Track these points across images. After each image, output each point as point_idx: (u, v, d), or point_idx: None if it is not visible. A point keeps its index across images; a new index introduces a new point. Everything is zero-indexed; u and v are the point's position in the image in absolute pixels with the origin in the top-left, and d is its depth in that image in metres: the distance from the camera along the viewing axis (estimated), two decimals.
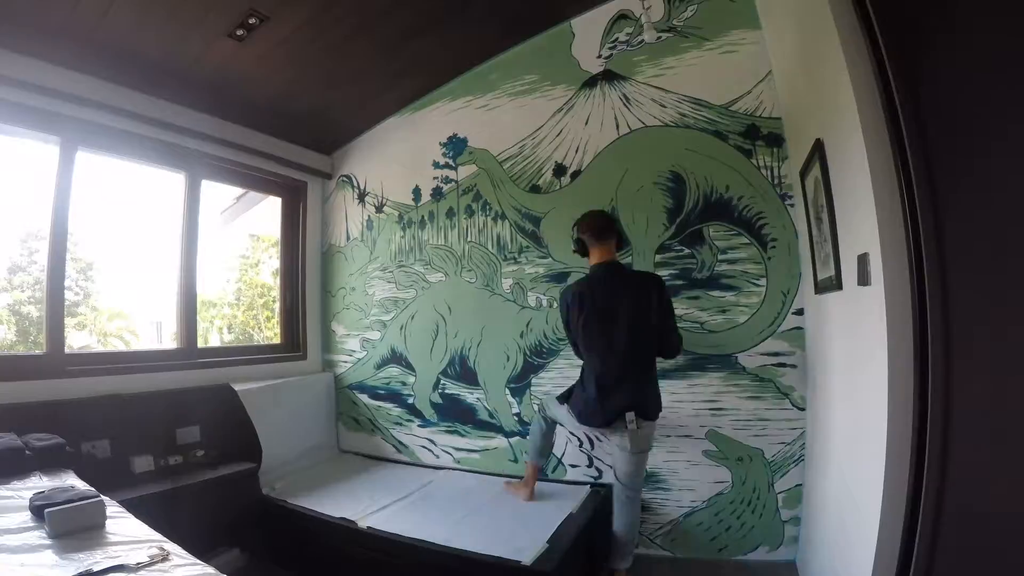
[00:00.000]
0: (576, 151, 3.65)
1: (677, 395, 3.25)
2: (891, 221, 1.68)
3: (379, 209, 4.48)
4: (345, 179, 4.69)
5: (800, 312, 3.04)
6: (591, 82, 3.62)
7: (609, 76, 3.56)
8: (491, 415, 3.89)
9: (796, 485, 3.02)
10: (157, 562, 1.40)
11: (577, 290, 2.83)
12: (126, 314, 7.25)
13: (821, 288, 2.56)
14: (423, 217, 4.25)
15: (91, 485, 1.98)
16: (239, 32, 3.01)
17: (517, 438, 3.79)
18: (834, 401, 2.49)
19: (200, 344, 3.87)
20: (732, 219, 3.20)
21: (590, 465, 3.53)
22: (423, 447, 4.19)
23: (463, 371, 4.02)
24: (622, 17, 3.51)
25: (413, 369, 4.25)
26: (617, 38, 3.54)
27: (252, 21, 2.95)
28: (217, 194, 4.58)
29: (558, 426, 3.22)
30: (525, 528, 2.78)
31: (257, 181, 4.39)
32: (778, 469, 3.06)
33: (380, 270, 4.44)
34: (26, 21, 2.63)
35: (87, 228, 4.22)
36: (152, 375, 3.37)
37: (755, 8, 3.12)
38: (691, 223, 3.29)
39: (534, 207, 3.78)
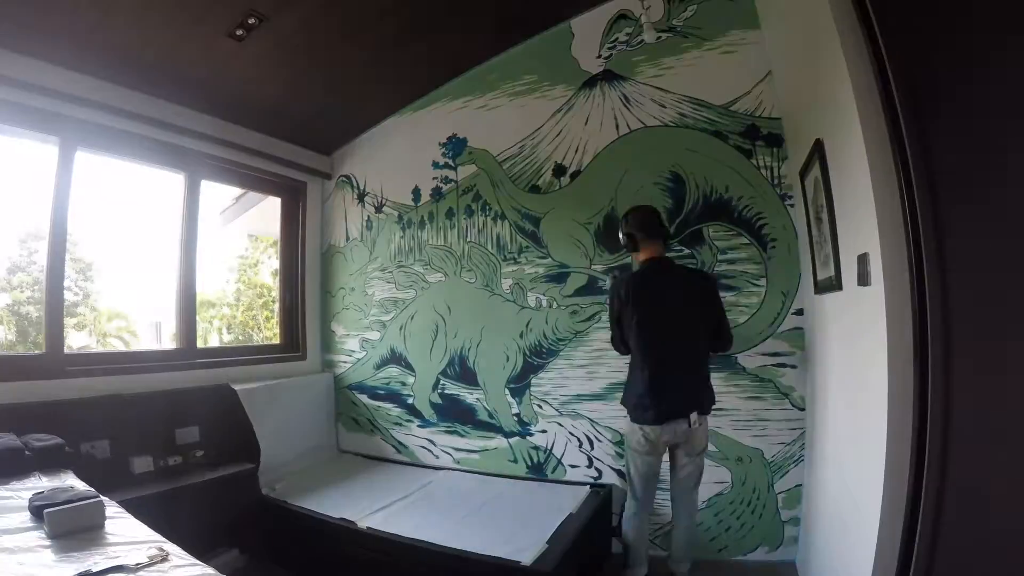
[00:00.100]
0: (576, 151, 3.65)
1: None
2: (891, 221, 1.68)
3: (379, 209, 4.48)
4: (345, 179, 4.69)
5: (800, 312, 3.04)
6: (591, 82, 3.61)
7: (609, 76, 3.56)
8: (491, 415, 3.89)
9: (796, 485, 3.02)
10: (156, 563, 1.40)
11: (629, 285, 2.76)
12: (125, 314, 7.26)
13: (821, 288, 2.56)
14: (423, 217, 4.25)
15: (90, 485, 1.97)
16: (239, 32, 3.00)
17: (516, 438, 3.79)
18: (834, 401, 2.49)
19: (199, 344, 3.87)
20: (732, 219, 3.20)
21: (590, 465, 3.53)
22: (423, 447, 4.19)
23: (463, 371, 4.02)
24: (622, 17, 3.51)
25: (413, 369, 4.24)
26: (617, 38, 3.54)
27: (252, 21, 2.94)
28: (216, 194, 4.59)
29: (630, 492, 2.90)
30: (525, 528, 2.78)
31: (256, 181, 4.39)
32: (778, 469, 3.06)
33: (380, 270, 4.44)
34: (26, 21, 2.62)
35: (86, 228, 4.26)
36: (151, 375, 3.36)
37: (755, 8, 3.12)
38: (691, 223, 3.29)
39: (534, 207, 3.78)
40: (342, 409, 4.61)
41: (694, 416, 2.59)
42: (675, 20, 3.35)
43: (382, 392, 4.39)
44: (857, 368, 2.10)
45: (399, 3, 3.12)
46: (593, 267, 3.54)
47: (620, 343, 2.87)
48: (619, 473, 3.42)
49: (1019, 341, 1.42)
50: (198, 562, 1.43)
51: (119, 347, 7.04)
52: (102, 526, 1.66)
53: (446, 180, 4.15)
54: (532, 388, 3.73)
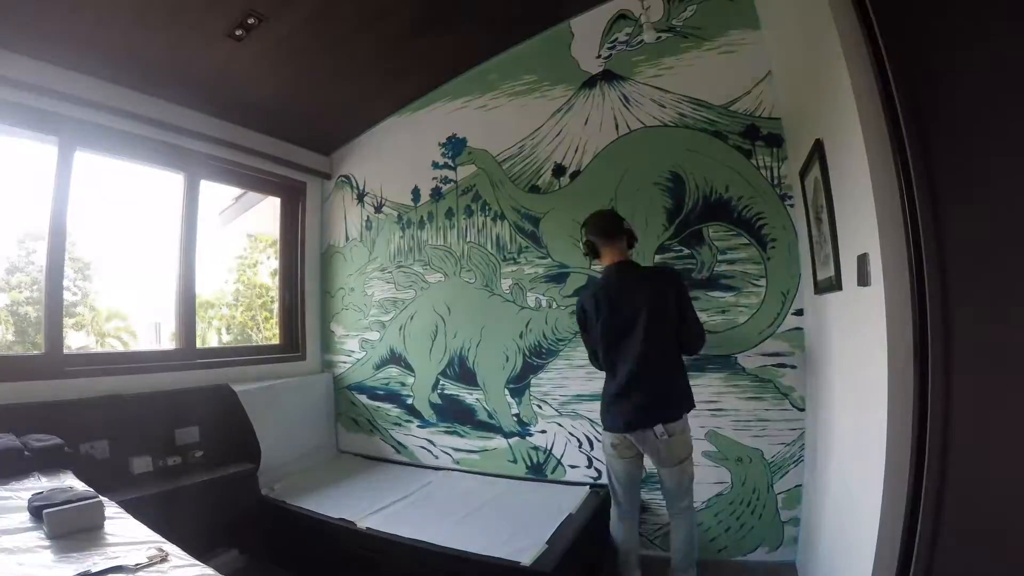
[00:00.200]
0: (575, 151, 3.64)
1: None
2: (891, 221, 1.68)
3: (378, 209, 4.48)
4: (344, 179, 4.69)
5: (800, 312, 3.04)
6: (590, 82, 3.61)
7: (608, 76, 3.56)
8: (490, 416, 3.89)
9: (796, 486, 3.02)
10: (156, 563, 1.40)
11: (591, 293, 2.72)
12: (124, 314, 7.25)
13: (821, 288, 2.56)
14: (422, 217, 4.25)
15: (90, 486, 1.97)
16: (238, 32, 3.01)
17: (516, 439, 3.78)
18: (834, 402, 2.48)
19: (199, 344, 3.86)
20: (732, 219, 3.20)
21: (589, 466, 3.53)
22: (422, 448, 4.19)
23: (462, 372, 4.02)
24: (621, 17, 3.51)
25: (412, 370, 4.24)
26: (616, 38, 3.54)
27: (251, 21, 2.95)
28: (216, 194, 4.58)
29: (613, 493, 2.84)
30: (524, 529, 2.78)
31: (256, 181, 4.39)
32: (778, 470, 3.06)
33: (379, 270, 4.44)
34: (25, 21, 2.62)
35: (85, 228, 4.22)
36: (151, 375, 3.36)
37: (754, 8, 3.12)
38: (691, 223, 3.29)
39: (533, 207, 3.78)
40: (342, 409, 4.61)
41: (659, 428, 2.49)
42: (675, 20, 3.35)
43: (382, 392, 4.39)
44: (857, 368, 2.09)
45: (399, 3, 3.12)
46: (593, 267, 3.53)
47: (595, 361, 2.84)
48: None
49: (1019, 341, 1.42)
50: (197, 562, 1.42)
51: (118, 347, 7.02)
52: (101, 526, 1.66)
53: (446, 180, 4.15)
54: (532, 388, 3.73)
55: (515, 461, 3.78)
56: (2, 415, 2.54)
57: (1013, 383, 1.43)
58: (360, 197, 4.58)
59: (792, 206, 3.06)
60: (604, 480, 3.43)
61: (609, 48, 3.56)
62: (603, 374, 2.72)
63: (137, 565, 1.37)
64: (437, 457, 4.11)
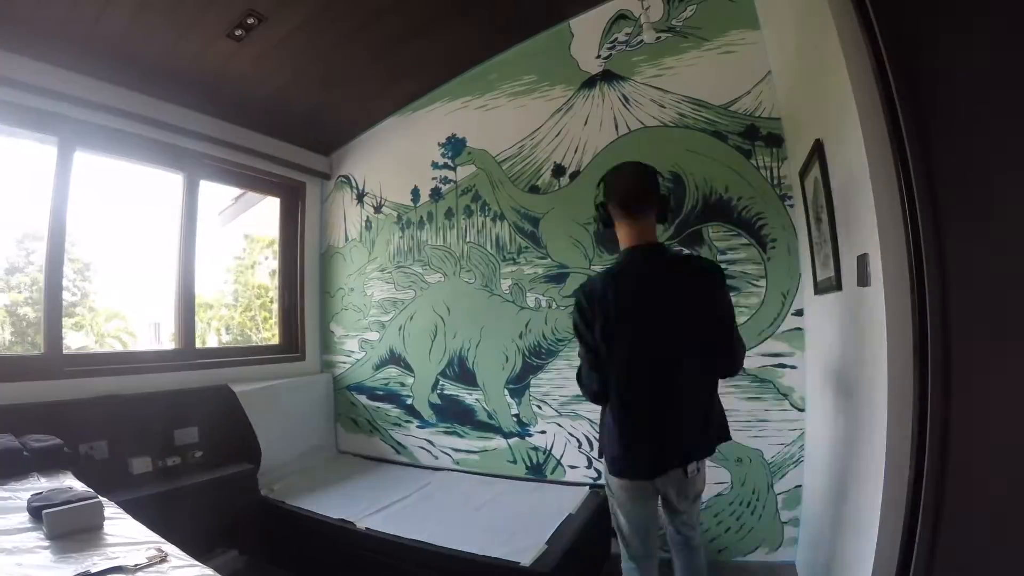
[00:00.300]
0: (575, 151, 3.64)
1: None
2: (891, 221, 1.68)
3: (378, 210, 4.47)
4: (344, 179, 4.69)
5: (800, 313, 3.04)
6: (590, 82, 3.61)
7: (608, 76, 3.56)
8: (490, 416, 3.89)
9: (796, 486, 3.02)
10: (155, 563, 1.40)
11: (596, 286, 2.01)
12: (124, 315, 7.24)
13: (821, 289, 2.56)
14: (422, 218, 4.25)
15: (89, 486, 1.97)
16: (237, 32, 3.01)
17: (516, 439, 3.78)
18: (834, 402, 2.48)
19: (198, 345, 3.86)
20: (731, 220, 3.20)
21: (589, 466, 3.53)
22: (422, 448, 4.18)
23: (462, 372, 4.01)
24: (621, 17, 3.51)
25: (412, 370, 4.24)
26: (616, 38, 3.54)
27: (250, 21, 2.94)
28: (215, 195, 4.58)
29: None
30: (524, 529, 2.78)
31: (255, 181, 4.39)
32: (777, 470, 3.06)
33: (379, 271, 4.44)
34: (24, 21, 2.62)
35: (85, 229, 4.21)
36: (150, 376, 3.36)
37: (754, 8, 3.12)
38: (690, 224, 3.29)
39: (533, 207, 3.78)
40: (341, 410, 4.61)
41: (692, 466, 1.93)
42: (675, 20, 3.35)
43: (381, 393, 4.39)
44: (857, 368, 2.09)
45: (398, 3, 3.12)
46: (592, 267, 3.53)
47: (589, 382, 2.04)
48: None
49: (1019, 341, 1.42)
50: (197, 563, 1.42)
51: (118, 347, 7.02)
52: (101, 527, 1.65)
53: (445, 180, 4.15)
54: (531, 389, 3.73)
55: (515, 461, 3.78)
56: (1, 415, 2.53)
57: (1013, 383, 1.43)
58: (360, 197, 4.58)
59: (792, 206, 3.06)
60: (603, 480, 3.44)
61: (609, 48, 3.56)
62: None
63: (136, 565, 1.37)
64: (437, 457, 4.11)
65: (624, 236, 2.04)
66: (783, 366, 3.06)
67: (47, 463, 2.26)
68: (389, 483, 3.69)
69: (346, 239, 4.66)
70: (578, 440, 3.55)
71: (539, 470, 3.70)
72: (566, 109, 3.69)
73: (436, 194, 4.19)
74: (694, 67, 3.32)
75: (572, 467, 3.59)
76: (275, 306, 4.76)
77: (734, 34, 3.20)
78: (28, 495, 1.80)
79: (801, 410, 3.01)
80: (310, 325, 4.65)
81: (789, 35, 2.70)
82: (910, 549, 1.66)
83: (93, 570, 1.34)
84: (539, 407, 3.70)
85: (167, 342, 4.20)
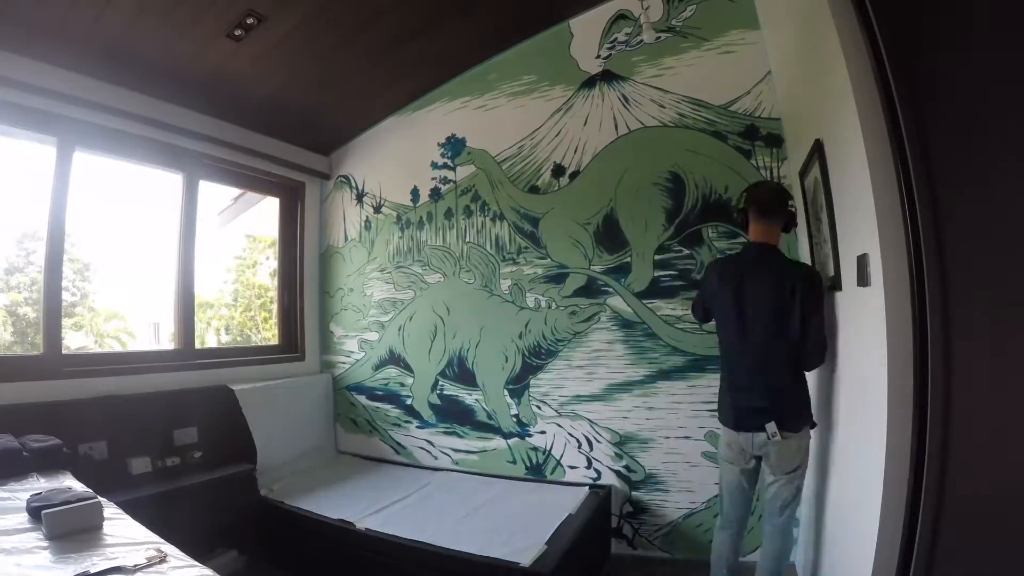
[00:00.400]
0: (575, 151, 3.64)
1: (676, 396, 3.26)
2: (891, 221, 1.67)
3: (377, 210, 4.47)
4: (343, 179, 4.69)
5: None
6: (590, 82, 3.61)
7: (608, 76, 3.56)
8: (489, 416, 3.88)
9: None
10: (154, 564, 1.39)
11: (722, 266, 2.56)
12: (123, 315, 7.22)
13: None
14: (421, 218, 4.25)
15: (88, 486, 1.97)
16: (237, 32, 3.00)
17: (515, 439, 3.78)
18: (834, 402, 2.48)
19: (197, 345, 3.86)
20: (731, 220, 3.20)
21: (589, 466, 3.53)
22: (421, 448, 4.18)
23: (461, 372, 4.01)
24: (621, 17, 3.51)
25: (411, 370, 4.24)
26: (616, 38, 3.54)
27: (250, 21, 2.94)
28: (215, 195, 4.57)
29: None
30: (524, 529, 2.78)
31: (255, 181, 4.38)
32: None
33: (378, 271, 4.44)
34: (23, 21, 2.62)
35: (84, 229, 4.20)
36: (149, 376, 3.36)
37: (754, 8, 3.12)
38: (690, 224, 3.29)
39: (533, 208, 3.78)
40: (341, 410, 4.61)
41: (771, 427, 2.27)
42: (674, 20, 3.36)
43: (381, 393, 4.39)
44: (857, 368, 2.09)
45: (398, 3, 3.11)
46: (592, 268, 3.53)
47: (700, 312, 2.70)
48: (618, 474, 3.41)
49: (1019, 341, 1.42)
50: (196, 563, 1.42)
51: (117, 348, 7.01)
52: (100, 527, 1.65)
53: (445, 180, 4.15)
54: (531, 389, 3.72)
55: (514, 462, 3.78)
56: (1, 416, 2.53)
57: (1013, 383, 1.43)
58: (359, 197, 4.58)
59: (792, 206, 3.05)
60: (604, 481, 3.44)
61: (608, 48, 3.56)
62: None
63: (136, 566, 1.37)
64: (436, 458, 4.11)
65: (752, 232, 2.50)
66: None
67: (46, 463, 2.26)
68: (388, 483, 3.69)
69: (346, 239, 4.66)
70: (578, 440, 3.55)
71: (539, 470, 3.70)
72: (566, 109, 3.69)
73: (436, 194, 4.18)
74: (694, 67, 3.32)
75: (572, 467, 3.59)
76: (275, 306, 4.76)
77: (734, 34, 3.21)
78: (27, 495, 1.79)
79: None
80: (310, 325, 4.64)
81: (789, 35, 2.70)
82: (910, 549, 1.66)
83: (92, 570, 1.34)
84: (539, 407, 3.69)
85: (166, 342, 4.19)
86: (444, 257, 4.13)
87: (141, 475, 3.02)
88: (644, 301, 3.38)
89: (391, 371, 4.34)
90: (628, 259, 3.41)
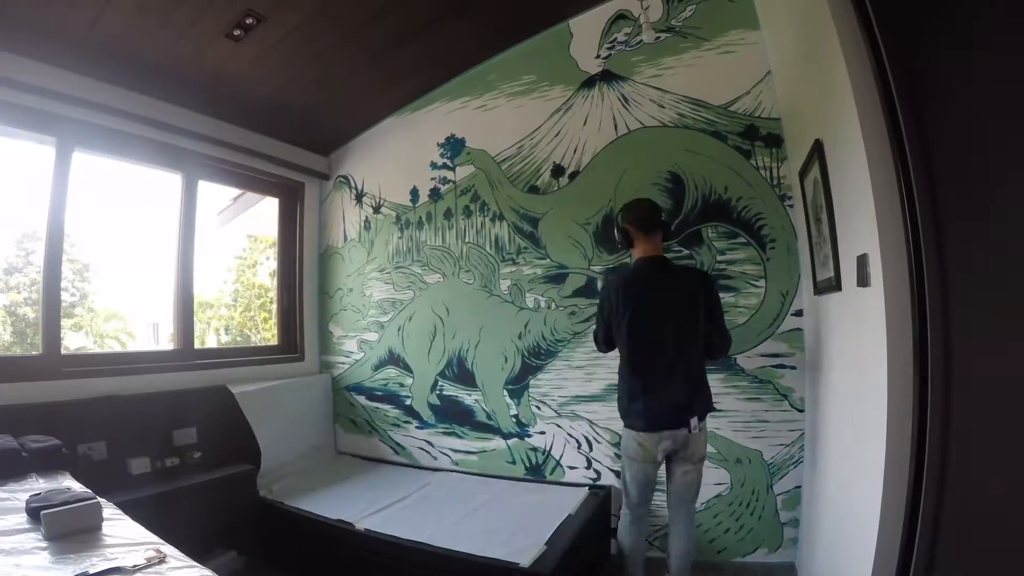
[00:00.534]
0: (574, 152, 3.64)
1: None
2: (890, 222, 1.68)
3: (377, 210, 4.47)
4: (343, 180, 4.68)
5: (799, 313, 3.04)
6: (589, 82, 3.61)
7: (607, 76, 3.56)
8: (489, 417, 3.88)
9: (795, 487, 3.02)
10: (154, 564, 1.39)
11: (622, 282, 2.65)
12: (123, 315, 7.22)
13: (820, 289, 2.56)
14: (421, 218, 4.24)
15: (87, 487, 1.96)
16: (236, 32, 3.00)
17: (515, 440, 3.78)
18: (833, 403, 2.48)
19: (197, 345, 3.86)
20: (731, 220, 3.20)
21: (588, 467, 3.53)
22: (421, 449, 4.18)
23: (461, 372, 4.01)
24: (621, 17, 3.51)
25: (411, 370, 4.24)
26: (616, 38, 3.54)
27: (249, 21, 2.94)
28: (214, 195, 4.57)
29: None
30: (523, 530, 2.78)
31: (254, 182, 4.38)
32: (777, 471, 3.06)
33: (378, 271, 4.44)
34: (22, 21, 2.61)
35: (83, 229, 4.20)
36: (149, 376, 3.35)
37: (754, 8, 3.12)
38: (690, 224, 3.29)
39: (532, 208, 3.78)
40: (340, 410, 4.60)
41: (694, 421, 2.48)
42: (674, 20, 3.35)
43: (380, 393, 4.38)
44: (857, 369, 2.10)
45: (397, 3, 3.11)
46: (592, 268, 3.53)
47: (602, 341, 2.80)
48: (617, 475, 3.41)
49: (1019, 341, 1.42)
50: (195, 564, 1.42)
51: (116, 348, 7.01)
52: (99, 528, 1.65)
53: (444, 180, 4.14)
54: (531, 389, 3.72)
55: (514, 462, 3.78)
56: (0, 416, 2.52)
57: (1013, 383, 1.43)
58: (359, 197, 4.58)
59: (791, 206, 3.06)
60: (603, 481, 3.44)
61: (608, 48, 3.56)
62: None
63: (135, 566, 1.37)
64: (436, 458, 4.11)
65: (640, 248, 2.66)
66: (783, 367, 3.06)
67: (45, 464, 2.25)
68: (388, 484, 3.69)
69: (345, 239, 4.65)
70: (577, 441, 3.55)
71: (538, 471, 3.69)
72: (565, 109, 3.69)
73: (435, 194, 4.18)
74: (693, 67, 3.32)
75: (571, 467, 3.59)
76: (274, 306, 4.75)
77: (734, 34, 3.21)
78: (26, 496, 1.79)
79: (801, 411, 3.01)
80: (309, 326, 4.64)
81: (789, 35, 2.71)
82: (910, 549, 1.66)
83: (92, 571, 1.34)
84: (538, 408, 3.69)
85: (166, 343, 4.19)
86: (443, 257, 4.12)
87: (140, 475, 3.02)
88: None
89: (390, 371, 4.34)
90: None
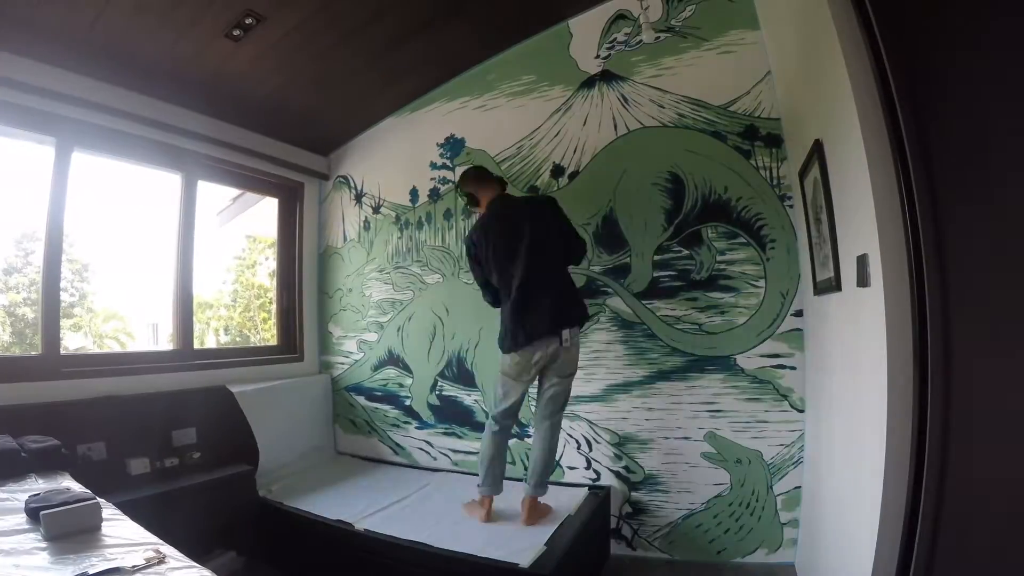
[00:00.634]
0: (574, 152, 3.64)
1: (676, 397, 3.25)
2: (890, 222, 1.67)
3: (376, 210, 4.47)
4: (342, 180, 4.68)
5: (799, 314, 3.04)
6: (589, 82, 3.61)
7: (607, 76, 3.55)
8: None
9: (795, 487, 3.01)
10: (153, 564, 1.39)
11: (480, 228, 3.02)
12: (122, 315, 7.23)
13: (820, 289, 2.55)
14: (420, 218, 4.24)
15: (87, 487, 1.97)
16: (235, 32, 3.00)
17: (514, 440, 3.77)
18: (833, 403, 2.48)
19: (196, 345, 3.86)
20: (731, 220, 3.20)
21: (588, 467, 3.52)
22: (420, 449, 4.18)
23: (460, 373, 4.01)
24: (620, 17, 3.50)
25: (410, 371, 4.23)
26: (615, 38, 3.53)
27: (248, 21, 2.94)
28: (214, 195, 4.58)
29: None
30: (523, 530, 2.78)
31: (253, 182, 4.38)
32: (777, 471, 3.06)
33: (377, 271, 4.43)
34: (22, 21, 2.61)
35: (83, 229, 4.21)
36: (148, 377, 3.35)
37: (754, 8, 3.12)
38: (690, 224, 3.29)
39: None
40: (339, 411, 4.60)
41: (566, 333, 2.79)
42: (674, 20, 3.35)
43: (379, 394, 4.38)
44: (856, 369, 2.09)
45: (397, 3, 3.11)
46: (591, 268, 3.53)
47: (484, 289, 3.13)
48: (617, 475, 3.41)
49: (1019, 341, 1.42)
50: (195, 564, 1.42)
51: (116, 348, 7.01)
52: (99, 528, 1.65)
53: (444, 181, 4.14)
54: (530, 389, 3.71)
55: (513, 463, 3.76)
56: None
57: (1013, 383, 1.43)
58: (358, 198, 4.58)
59: (791, 207, 3.06)
60: (603, 482, 3.43)
61: (608, 48, 3.56)
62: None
63: (134, 567, 1.37)
64: (435, 458, 4.10)
65: (484, 197, 3.08)
66: (782, 367, 3.06)
67: (45, 464, 2.25)
68: (387, 484, 3.68)
69: (344, 239, 4.65)
70: (577, 441, 3.55)
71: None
72: (565, 109, 3.68)
73: (435, 194, 4.18)
74: (693, 67, 3.32)
75: (571, 468, 3.58)
76: (274, 307, 4.75)
77: (733, 34, 3.20)
78: (26, 496, 1.79)
79: (801, 411, 3.01)
80: (308, 326, 4.64)
81: (789, 35, 2.70)
82: (910, 549, 1.66)
83: (91, 571, 1.34)
84: None
85: (165, 343, 4.19)
86: (443, 257, 4.12)
87: (140, 476, 3.01)
88: (643, 302, 3.37)
89: (390, 372, 4.33)
90: (627, 259, 3.41)
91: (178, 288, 3.69)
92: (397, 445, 4.29)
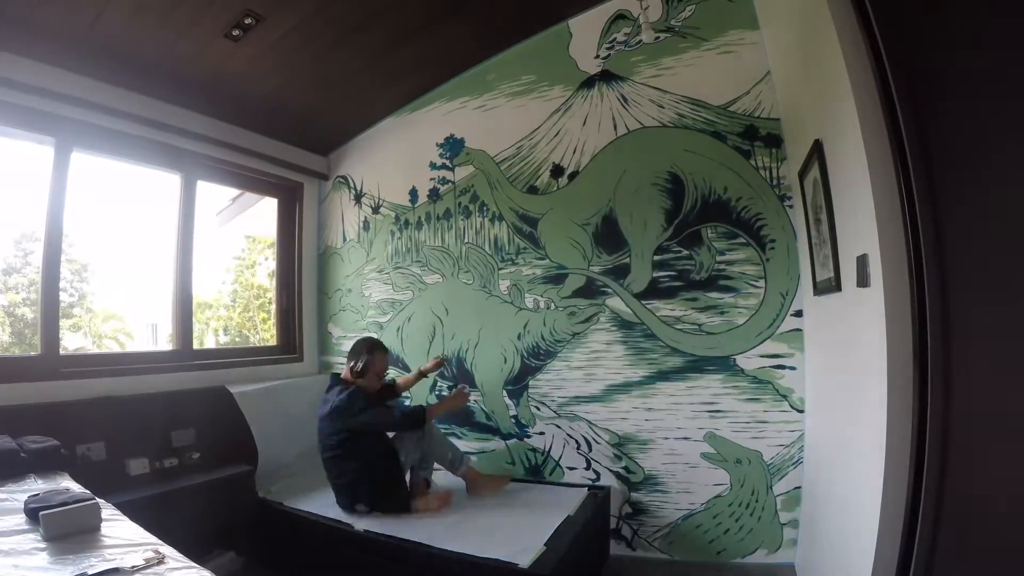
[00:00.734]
0: (574, 152, 3.64)
1: (675, 397, 3.26)
2: (890, 222, 1.68)
3: (376, 210, 4.46)
4: (341, 180, 4.68)
5: (799, 314, 3.04)
6: (589, 82, 3.61)
7: (607, 76, 3.56)
8: (488, 417, 3.88)
9: (795, 488, 3.01)
10: (152, 565, 1.39)
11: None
12: (121, 316, 7.21)
13: (820, 290, 2.56)
14: (420, 218, 4.24)
15: (86, 487, 1.97)
16: (235, 32, 2.99)
17: (514, 440, 3.78)
18: (833, 403, 2.48)
19: (196, 346, 3.86)
20: (731, 220, 3.20)
21: (588, 467, 3.52)
22: None
23: (460, 373, 4.00)
24: (620, 17, 3.50)
25: (410, 371, 4.22)
26: (615, 38, 3.53)
27: (248, 21, 2.93)
28: (213, 195, 4.57)
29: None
30: (523, 530, 2.77)
31: (253, 182, 4.37)
32: (777, 471, 3.06)
33: (377, 272, 4.43)
34: (21, 21, 2.61)
35: (82, 229, 4.20)
36: (147, 377, 3.35)
37: (754, 8, 3.12)
38: (689, 224, 3.29)
39: (531, 208, 3.77)
40: None
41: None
42: (673, 20, 3.35)
43: None
44: (856, 370, 2.09)
45: (396, 3, 3.11)
46: (591, 268, 3.53)
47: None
48: (617, 475, 3.41)
49: (1019, 341, 1.42)
50: (194, 564, 1.42)
51: (115, 348, 7.00)
52: (98, 528, 1.64)
53: (443, 181, 4.14)
54: (530, 390, 3.72)
55: (513, 463, 3.77)
56: None
57: (1013, 383, 1.43)
58: (358, 198, 4.57)
59: (791, 207, 3.06)
60: (603, 482, 3.44)
61: (608, 48, 3.56)
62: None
63: (134, 567, 1.36)
64: None
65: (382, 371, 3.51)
66: (782, 367, 3.06)
67: (44, 464, 2.25)
68: None
69: (344, 240, 4.65)
70: (576, 441, 3.55)
71: (538, 471, 3.69)
72: (565, 109, 3.68)
73: (434, 195, 4.18)
74: (693, 67, 3.32)
75: (571, 468, 3.58)
76: (273, 307, 4.75)
77: (733, 34, 3.20)
78: (25, 496, 1.79)
79: (800, 411, 3.01)
80: (308, 326, 4.63)
81: (788, 35, 2.71)
82: (910, 549, 1.66)
83: (90, 572, 1.34)
84: (537, 408, 3.69)
85: (164, 343, 4.18)
86: (443, 258, 4.12)
87: (139, 476, 3.01)
88: (643, 302, 3.37)
89: (389, 372, 4.32)
90: (627, 260, 3.41)
91: (177, 288, 3.69)
92: None
